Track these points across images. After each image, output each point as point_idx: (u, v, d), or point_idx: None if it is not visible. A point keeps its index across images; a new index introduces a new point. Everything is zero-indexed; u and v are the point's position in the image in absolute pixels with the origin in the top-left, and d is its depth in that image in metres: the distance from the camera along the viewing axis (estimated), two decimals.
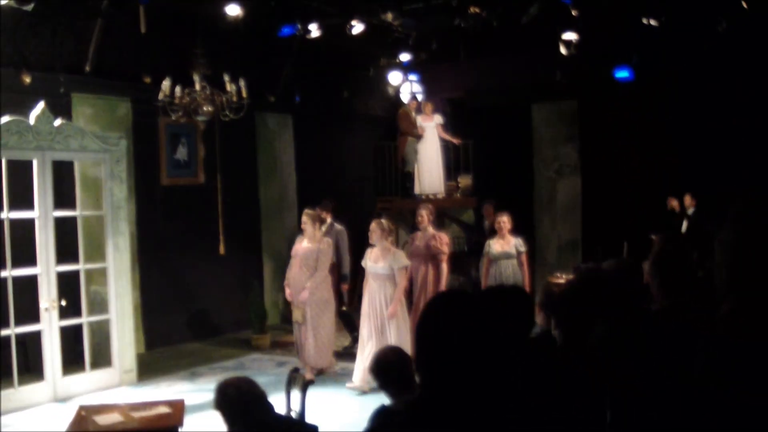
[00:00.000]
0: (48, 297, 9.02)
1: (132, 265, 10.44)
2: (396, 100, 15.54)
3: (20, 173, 8.94)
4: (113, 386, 9.61)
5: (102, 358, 10.01)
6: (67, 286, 9.41)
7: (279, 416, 4.83)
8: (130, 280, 10.09)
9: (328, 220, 11.06)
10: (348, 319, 11.33)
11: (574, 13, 11.03)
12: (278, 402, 5.12)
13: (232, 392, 4.49)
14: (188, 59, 10.19)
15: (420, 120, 14.65)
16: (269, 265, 13.85)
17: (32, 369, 9.36)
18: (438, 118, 14.82)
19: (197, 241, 12.39)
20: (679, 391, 3.31)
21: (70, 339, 9.57)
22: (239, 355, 11.42)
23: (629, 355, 3.46)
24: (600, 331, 3.54)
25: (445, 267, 10.07)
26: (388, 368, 4.68)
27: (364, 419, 3.15)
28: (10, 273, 8.70)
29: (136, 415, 6.18)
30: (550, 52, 12.17)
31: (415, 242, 10.31)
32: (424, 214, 10.18)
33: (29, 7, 8.83)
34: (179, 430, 6.05)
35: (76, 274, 9.47)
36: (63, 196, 9.50)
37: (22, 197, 8.95)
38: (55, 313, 9.10)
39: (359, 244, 10.29)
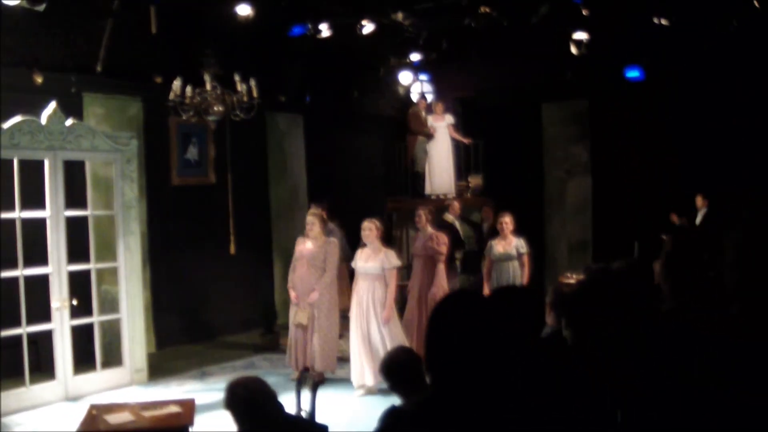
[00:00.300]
0: (59, 296, 9.05)
1: (143, 265, 10.46)
2: (406, 100, 15.56)
3: (32, 173, 8.97)
4: (124, 385, 9.63)
5: (113, 358, 10.04)
6: (79, 285, 9.44)
7: (289, 416, 4.83)
8: (140, 280, 10.10)
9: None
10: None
11: (584, 12, 11.01)
12: (288, 402, 5.12)
13: (242, 392, 4.49)
14: (199, 59, 10.20)
15: (431, 120, 14.64)
16: (279, 265, 13.84)
17: (44, 368, 9.40)
18: (449, 118, 14.80)
19: (208, 240, 12.40)
20: (686, 392, 3.31)
21: (82, 338, 9.58)
22: (249, 354, 11.42)
23: (638, 355, 3.45)
24: (610, 331, 3.53)
25: (442, 267, 10.00)
26: (399, 369, 4.67)
27: (374, 419, 3.14)
28: (21, 272, 8.74)
29: (147, 414, 6.20)
30: (560, 51, 12.16)
31: (415, 242, 10.29)
32: (422, 214, 10.13)
33: (41, 8, 8.87)
34: (190, 429, 6.07)
35: (87, 273, 9.50)
36: (74, 195, 9.52)
37: (33, 197, 8.98)
38: (67, 313, 9.13)
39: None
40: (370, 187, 15.76)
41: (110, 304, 10.07)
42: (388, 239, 10.57)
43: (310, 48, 12.95)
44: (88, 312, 9.58)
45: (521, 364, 2.88)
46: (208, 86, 9.98)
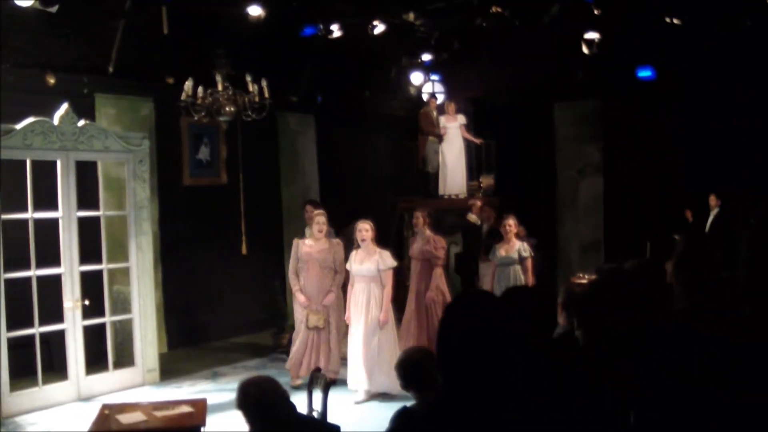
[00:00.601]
0: (72, 296, 9.08)
1: (154, 265, 10.48)
2: (418, 100, 15.56)
3: (44, 174, 9.01)
4: (136, 385, 9.66)
5: (125, 358, 10.06)
6: (91, 285, 9.46)
7: (301, 416, 4.83)
8: (152, 280, 10.12)
9: None
10: None
11: (596, 12, 10.99)
12: (300, 402, 5.13)
13: (254, 392, 4.49)
14: (210, 60, 10.20)
15: (443, 120, 14.65)
16: None
17: (56, 368, 9.43)
18: (461, 119, 14.79)
19: (219, 241, 12.41)
20: (697, 393, 3.29)
21: (94, 338, 9.61)
22: (261, 354, 11.43)
23: (650, 355, 3.44)
24: (621, 331, 3.52)
25: (438, 271, 9.97)
26: (413, 368, 4.67)
27: (385, 420, 3.15)
28: (34, 273, 8.77)
29: (159, 414, 6.20)
30: (572, 51, 12.13)
31: (413, 245, 10.25)
32: (419, 217, 10.09)
33: (53, 9, 8.90)
34: (201, 429, 6.07)
35: (99, 273, 9.53)
36: (86, 196, 9.54)
37: (46, 198, 9.01)
38: (79, 313, 9.16)
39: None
40: (381, 187, 15.75)
41: (122, 304, 10.10)
42: (398, 239, 10.53)
43: (321, 48, 12.97)
44: (100, 312, 9.60)
45: (532, 365, 2.87)
46: (220, 87, 9.98)
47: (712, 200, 12.85)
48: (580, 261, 14.63)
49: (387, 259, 8.93)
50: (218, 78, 10.03)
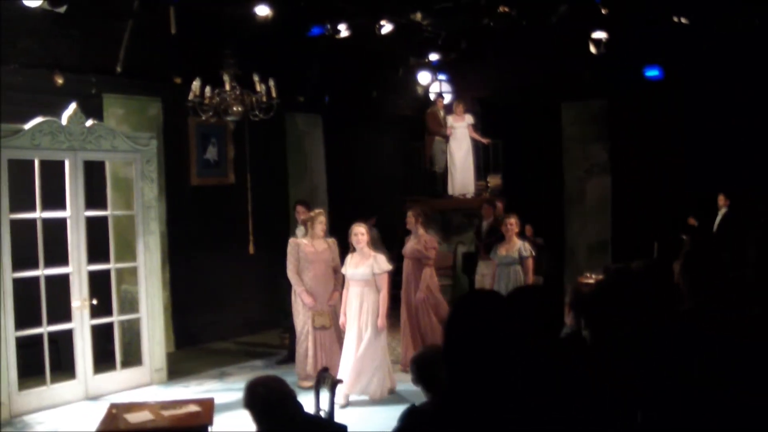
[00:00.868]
0: (79, 296, 9.10)
1: (162, 265, 10.49)
2: (425, 100, 15.56)
3: (53, 174, 9.03)
4: (144, 385, 9.68)
5: (132, 357, 10.10)
6: (99, 285, 9.48)
7: (308, 415, 4.84)
8: (160, 280, 10.14)
9: None
10: None
11: (603, 11, 10.97)
12: (307, 402, 5.13)
13: (262, 391, 4.50)
14: (218, 60, 10.22)
15: (451, 120, 14.66)
16: None
17: (64, 367, 9.44)
18: (469, 118, 14.79)
19: (227, 240, 12.42)
20: (704, 392, 3.29)
21: (101, 338, 9.64)
22: (268, 354, 11.44)
23: (656, 355, 3.44)
24: (628, 331, 3.52)
25: (428, 271, 9.98)
26: (424, 364, 4.69)
27: (392, 419, 3.15)
28: (42, 272, 8.79)
29: (167, 413, 6.22)
30: (579, 51, 12.11)
31: (406, 244, 10.25)
32: (411, 216, 10.10)
33: (62, 9, 8.92)
34: (209, 428, 6.08)
35: (107, 273, 9.54)
36: (94, 196, 9.57)
37: (54, 197, 9.03)
38: (87, 312, 9.18)
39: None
40: (389, 187, 15.75)
41: (130, 303, 10.13)
42: (405, 239, 10.51)
43: (328, 48, 12.97)
44: (107, 312, 9.62)
45: (535, 365, 2.88)
46: (228, 86, 9.99)
47: (721, 200, 12.80)
48: (588, 261, 14.59)
49: (382, 263, 8.86)
50: (226, 78, 10.04)
